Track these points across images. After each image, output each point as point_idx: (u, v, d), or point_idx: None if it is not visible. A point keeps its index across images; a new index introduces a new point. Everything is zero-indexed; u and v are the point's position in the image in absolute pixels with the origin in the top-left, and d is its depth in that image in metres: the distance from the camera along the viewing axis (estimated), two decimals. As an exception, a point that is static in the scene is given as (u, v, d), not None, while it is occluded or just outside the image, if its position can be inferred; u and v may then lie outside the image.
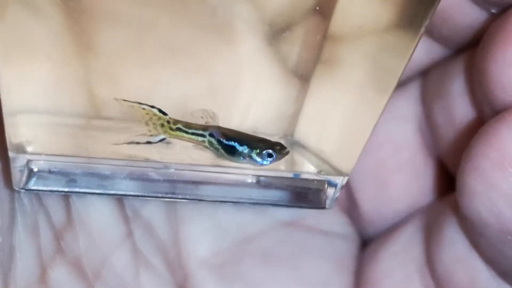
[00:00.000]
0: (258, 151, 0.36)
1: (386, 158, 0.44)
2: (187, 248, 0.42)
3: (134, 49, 0.34)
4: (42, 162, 0.36)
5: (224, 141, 0.36)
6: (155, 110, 0.35)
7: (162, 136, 0.35)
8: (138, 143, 0.35)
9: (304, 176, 0.39)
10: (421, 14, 0.32)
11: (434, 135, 0.42)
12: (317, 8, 0.34)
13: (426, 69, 0.43)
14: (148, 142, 0.35)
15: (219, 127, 0.36)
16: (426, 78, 0.43)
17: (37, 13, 0.32)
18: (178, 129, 0.35)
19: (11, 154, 0.35)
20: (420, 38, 0.33)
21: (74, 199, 0.40)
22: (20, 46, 0.32)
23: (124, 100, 0.34)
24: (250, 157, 0.36)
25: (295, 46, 0.36)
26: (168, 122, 0.35)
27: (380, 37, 0.34)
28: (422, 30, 0.33)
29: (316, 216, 0.45)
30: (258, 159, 0.36)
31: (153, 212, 0.41)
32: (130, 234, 0.41)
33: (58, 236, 0.39)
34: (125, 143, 0.35)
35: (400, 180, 0.44)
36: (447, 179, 0.44)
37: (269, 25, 0.35)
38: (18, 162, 0.35)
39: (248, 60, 0.36)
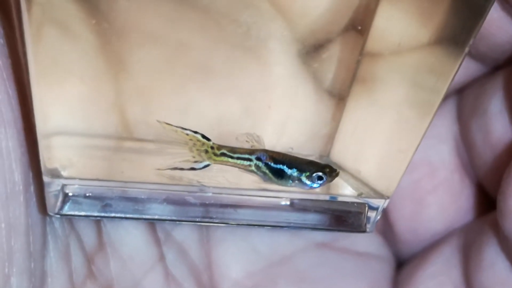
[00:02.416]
0: (308, 174, 0.35)
1: (421, 178, 0.43)
2: (220, 270, 0.41)
3: (167, 70, 0.34)
4: (76, 186, 0.35)
5: (272, 164, 0.35)
6: (199, 136, 0.34)
7: (206, 163, 0.34)
8: (182, 169, 0.35)
9: (344, 199, 0.38)
10: (465, 33, 0.32)
11: (471, 155, 0.42)
12: (359, 27, 0.33)
13: (462, 86, 0.42)
14: (192, 169, 0.35)
15: (266, 150, 0.35)
16: (462, 96, 0.42)
17: (70, 34, 0.31)
18: (223, 154, 0.34)
19: (45, 178, 0.34)
20: (464, 58, 0.32)
21: (105, 222, 0.39)
22: (54, 68, 0.32)
23: (167, 124, 0.33)
24: (300, 180, 0.35)
25: (330, 65, 0.35)
26: (212, 147, 0.34)
27: (421, 55, 0.33)
28: (466, 49, 0.32)
29: (351, 237, 0.44)
30: (308, 182, 0.35)
31: (185, 234, 0.41)
32: (161, 257, 0.40)
33: (89, 260, 0.38)
34: (169, 169, 0.34)
35: (436, 201, 0.43)
36: (485, 199, 0.43)
37: (303, 44, 0.34)
38: (52, 187, 0.35)
39: (282, 79, 0.35)
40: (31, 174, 0.35)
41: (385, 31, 0.33)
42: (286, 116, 0.36)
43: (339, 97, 0.36)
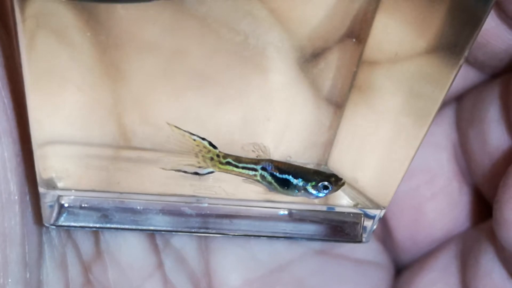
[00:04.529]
0: (313, 183, 0.35)
1: (420, 186, 0.43)
2: (219, 277, 0.41)
3: (165, 78, 0.34)
4: (72, 197, 0.35)
5: (278, 174, 0.35)
6: (206, 143, 0.34)
7: (210, 169, 0.34)
8: (185, 172, 0.35)
9: (340, 209, 0.38)
10: (462, 42, 0.32)
11: (469, 162, 0.42)
12: (357, 36, 0.33)
13: (460, 94, 0.42)
14: (196, 173, 0.35)
15: (271, 160, 0.35)
16: (461, 104, 0.42)
17: (67, 43, 0.31)
18: (228, 163, 0.34)
19: (41, 189, 0.34)
20: (460, 67, 0.32)
21: (103, 231, 0.39)
22: (50, 77, 0.32)
23: (177, 128, 0.33)
24: (306, 189, 0.35)
25: (328, 73, 0.35)
26: (218, 156, 0.34)
27: (417, 64, 0.33)
28: (463, 59, 0.32)
29: (349, 245, 0.44)
30: (314, 192, 0.35)
31: (183, 242, 0.41)
32: (160, 264, 0.40)
33: (86, 269, 0.38)
34: (173, 170, 0.34)
35: (435, 208, 0.43)
36: (483, 207, 0.43)
37: (301, 52, 0.34)
38: (48, 198, 0.35)
39: (280, 87, 0.35)
40: (27, 184, 0.35)
41: (382, 41, 0.33)
42: (284, 124, 0.36)
43: (337, 105, 0.36)
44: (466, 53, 0.32)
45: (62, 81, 0.32)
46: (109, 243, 0.39)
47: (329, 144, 0.37)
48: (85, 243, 0.39)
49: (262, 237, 0.38)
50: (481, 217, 0.43)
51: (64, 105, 0.33)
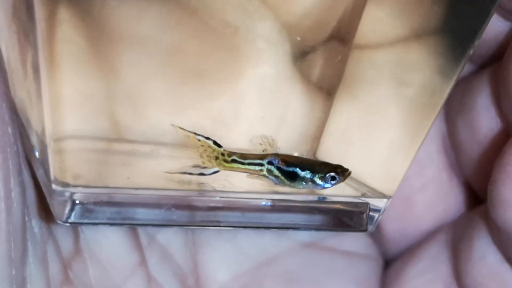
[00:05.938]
0: (321, 175, 0.35)
1: (409, 177, 0.43)
2: (206, 273, 0.41)
3: (160, 73, 0.33)
4: (85, 194, 0.35)
5: (285, 167, 0.35)
6: (210, 142, 0.33)
7: (216, 169, 0.34)
8: (191, 174, 0.34)
9: (346, 199, 0.38)
10: (470, 34, 0.32)
11: (458, 152, 0.42)
12: (346, 30, 0.33)
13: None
14: (202, 174, 0.34)
15: (277, 154, 0.35)
16: (450, 95, 0.42)
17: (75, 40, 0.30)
18: (233, 161, 0.34)
19: (54, 187, 0.33)
20: (467, 57, 0.33)
21: (82, 228, 0.38)
22: (64, 76, 0.31)
23: (181, 128, 0.33)
24: (313, 181, 0.35)
25: (318, 65, 0.34)
26: (223, 154, 0.34)
27: (423, 55, 0.33)
28: (471, 50, 0.32)
29: (338, 237, 0.44)
30: (321, 183, 0.35)
31: (169, 238, 0.40)
32: (143, 261, 0.39)
33: (65, 266, 0.38)
34: (178, 173, 0.34)
35: (425, 199, 0.43)
36: (473, 198, 0.43)
37: (292, 44, 0.33)
38: (61, 195, 0.34)
39: (271, 79, 0.34)
40: (12, 181, 0.34)
41: (376, 29, 0.33)
42: (277, 117, 0.36)
43: (327, 96, 0.36)
44: (474, 45, 0.32)
45: (78, 75, 0.31)
46: (89, 240, 0.39)
47: (318, 135, 0.37)
48: (65, 240, 0.38)
49: (271, 229, 0.38)
50: (471, 208, 0.43)
51: (80, 100, 0.32)
